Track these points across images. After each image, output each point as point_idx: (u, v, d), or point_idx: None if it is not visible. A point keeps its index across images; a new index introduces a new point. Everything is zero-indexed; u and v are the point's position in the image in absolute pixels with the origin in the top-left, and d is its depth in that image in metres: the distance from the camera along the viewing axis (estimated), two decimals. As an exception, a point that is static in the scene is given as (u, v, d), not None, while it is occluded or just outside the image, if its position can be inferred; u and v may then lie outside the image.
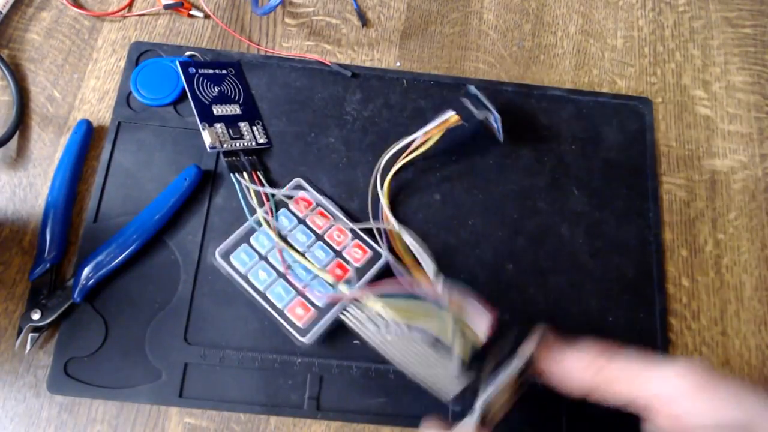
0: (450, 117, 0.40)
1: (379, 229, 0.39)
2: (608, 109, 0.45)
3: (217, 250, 0.37)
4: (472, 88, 0.41)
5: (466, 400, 0.30)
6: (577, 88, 0.46)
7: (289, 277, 0.37)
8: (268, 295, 0.36)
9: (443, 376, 0.32)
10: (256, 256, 0.37)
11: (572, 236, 0.41)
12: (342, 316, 0.35)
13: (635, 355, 0.28)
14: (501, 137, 0.42)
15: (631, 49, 0.48)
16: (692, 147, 0.45)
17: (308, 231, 0.38)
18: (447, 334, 0.31)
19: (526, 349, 0.30)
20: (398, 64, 0.46)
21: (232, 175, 0.39)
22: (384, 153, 0.41)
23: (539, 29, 0.48)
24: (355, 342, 0.37)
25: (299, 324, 0.36)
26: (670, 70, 0.47)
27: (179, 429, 0.35)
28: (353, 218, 0.39)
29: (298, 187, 0.40)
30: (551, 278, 0.40)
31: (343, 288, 0.36)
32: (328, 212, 0.39)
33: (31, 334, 0.36)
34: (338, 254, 0.38)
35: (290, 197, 0.39)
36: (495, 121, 0.41)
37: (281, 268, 0.37)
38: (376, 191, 0.40)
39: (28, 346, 0.36)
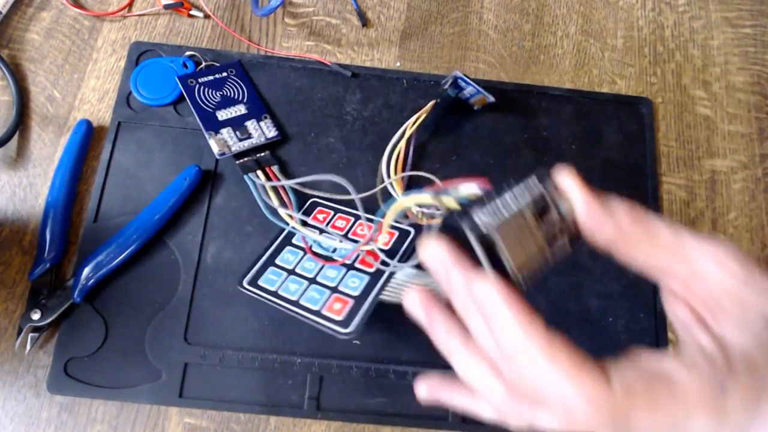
0: (427, 105, 0.41)
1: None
2: (608, 109, 0.45)
3: (245, 279, 0.37)
4: (453, 74, 0.41)
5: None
6: (577, 88, 0.46)
7: (321, 279, 0.37)
8: (302, 302, 0.36)
9: None
10: (285, 273, 0.37)
11: (572, 236, 0.41)
12: (383, 297, 0.35)
13: (671, 223, 0.25)
14: (491, 97, 0.41)
15: (631, 49, 0.48)
16: (692, 147, 0.45)
17: (332, 235, 0.38)
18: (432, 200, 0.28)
19: (529, 181, 0.25)
20: (398, 64, 0.46)
21: (245, 176, 0.39)
22: (383, 155, 0.41)
23: (539, 29, 0.48)
24: (355, 342, 0.37)
25: (338, 318, 0.35)
26: (670, 70, 0.47)
27: (179, 429, 0.35)
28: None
29: (314, 204, 0.40)
30: (551, 278, 0.40)
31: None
32: (348, 214, 0.39)
33: (31, 334, 0.36)
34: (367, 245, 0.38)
35: (307, 215, 0.39)
36: (466, 83, 0.41)
37: (311, 275, 0.37)
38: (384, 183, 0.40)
39: (28, 346, 0.36)
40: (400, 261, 0.37)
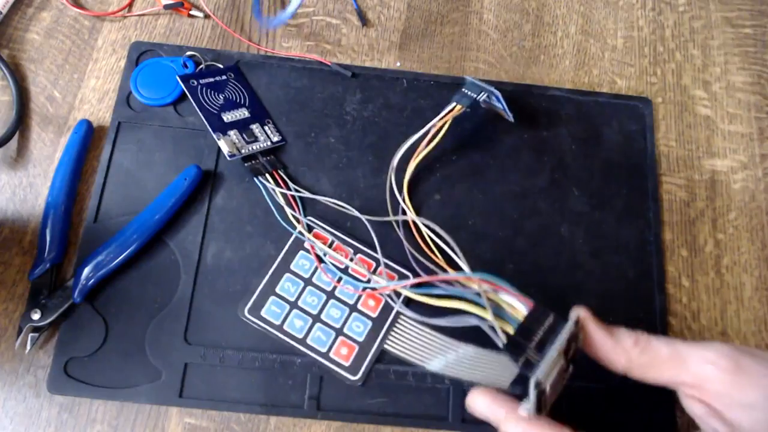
0: (453, 107, 0.40)
1: (397, 222, 0.39)
2: (608, 109, 0.45)
3: (246, 308, 0.37)
4: (469, 78, 0.41)
5: (516, 357, 0.30)
6: (577, 88, 0.46)
7: (325, 318, 0.37)
8: (309, 342, 0.36)
9: (497, 369, 0.33)
10: (287, 306, 0.37)
11: (572, 236, 0.41)
12: (387, 346, 0.36)
13: (669, 340, 0.30)
14: (510, 116, 0.41)
15: (631, 49, 0.48)
16: (692, 147, 0.45)
17: (332, 269, 0.38)
18: (488, 315, 0.32)
19: (567, 327, 0.30)
20: (398, 64, 0.46)
21: (255, 179, 0.39)
22: (396, 151, 0.40)
23: (539, 29, 0.48)
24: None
25: (345, 363, 0.36)
26: (670, 70, 0.47)
27: (179, 429, 0.35)
28: (352, 219, 0.39)
29: (308, 226, 0.39)
30: (551, 278, 0.40)
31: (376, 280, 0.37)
32: (345, 244, 0.39)
33: (31, 334, 0.36)
34: (366, 285, 0.37)
35: (303, 239, 0.39)
36: (498, 100, 0.40)
37: (315, 312, 0.37)
38: (393, 190, 0.40)
39: (28, 346, 0.36)
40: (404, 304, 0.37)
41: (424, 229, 0.38)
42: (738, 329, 0.40)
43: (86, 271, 0.36)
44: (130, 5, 0.46)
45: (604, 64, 0.47)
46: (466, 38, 0.47)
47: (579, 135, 0.44)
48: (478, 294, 0.32)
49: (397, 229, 0.39)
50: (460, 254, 0.36)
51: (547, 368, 0.29)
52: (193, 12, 0.46)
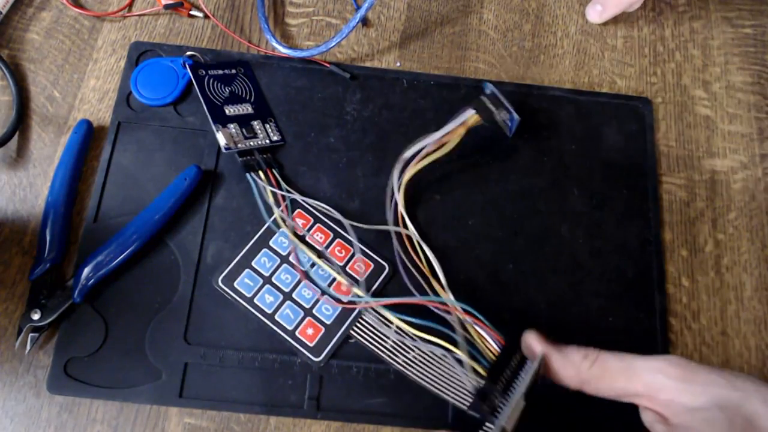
0: (471, 117, 0.40)
1: (398, 234, 0.39)
2: (608, 109, 0.45)
3: (220, 278, 0.37)
4: (490, 86, 0.41)
5: (480, 406, 0.32)
6: (577, 88, 0.46)
7: (296, 298, 0.37)
8: (277, 318, 0.37)
9: (455, 387, 0.34)
10: (261, 280, 0.37)
11: (572, 236, 0.41)
12: (353, 333, 0.36)
13: (619, 354, 0.31)
14: (510, 134, 0.42)
15: (631, 49, 0.48)
16: (692, 147, 0.45)
17: (308, 250, 0.38)
18: (461, 350, 0.33)
19: (533, 369, 0.32)
20: (398, 64, 0.46)
21: (248, 174, 0.39)
22: (402, 153, 0.39)
23: (539, 29, 0.48)
24: (350, 341, 0.37)
25: (310, 343, 0.36)
26: (670, 70, 0.47)
27: (179, 429, 0.35)
28: (352, 219, 0.39)
29: (293, 201, 0.40)
30: (551, 278, 0.40)
31: (357, 292, 0.37)
32: (328, 228, 0.39)
33: (31, 334, 0.36)
34: (341, 270, 0.38)
35: (284, 220, 0.39)
36: (511, 120, 0.41)
37: (287, 290, 0.37)
38: (393, 193, 0.39)
39: (28, 346, 0.36)
40: (373, 296, 0.37)
41: (414, 237, 0.38)
42: (738, 329, 0.40)
43: (86, 271, 0.36)
44: (130, 5, 0.46)
45: (604, 64, 0.47)
46: (466, 38, 0.47)
47: (579, 135, 0.44)
48: (455, 327, 0.34)
49: (395, 240, 0.39)
50: (444, 282, 0.37)
51: (511, 412, 0.30)
52: (193, 12, 0.46)
